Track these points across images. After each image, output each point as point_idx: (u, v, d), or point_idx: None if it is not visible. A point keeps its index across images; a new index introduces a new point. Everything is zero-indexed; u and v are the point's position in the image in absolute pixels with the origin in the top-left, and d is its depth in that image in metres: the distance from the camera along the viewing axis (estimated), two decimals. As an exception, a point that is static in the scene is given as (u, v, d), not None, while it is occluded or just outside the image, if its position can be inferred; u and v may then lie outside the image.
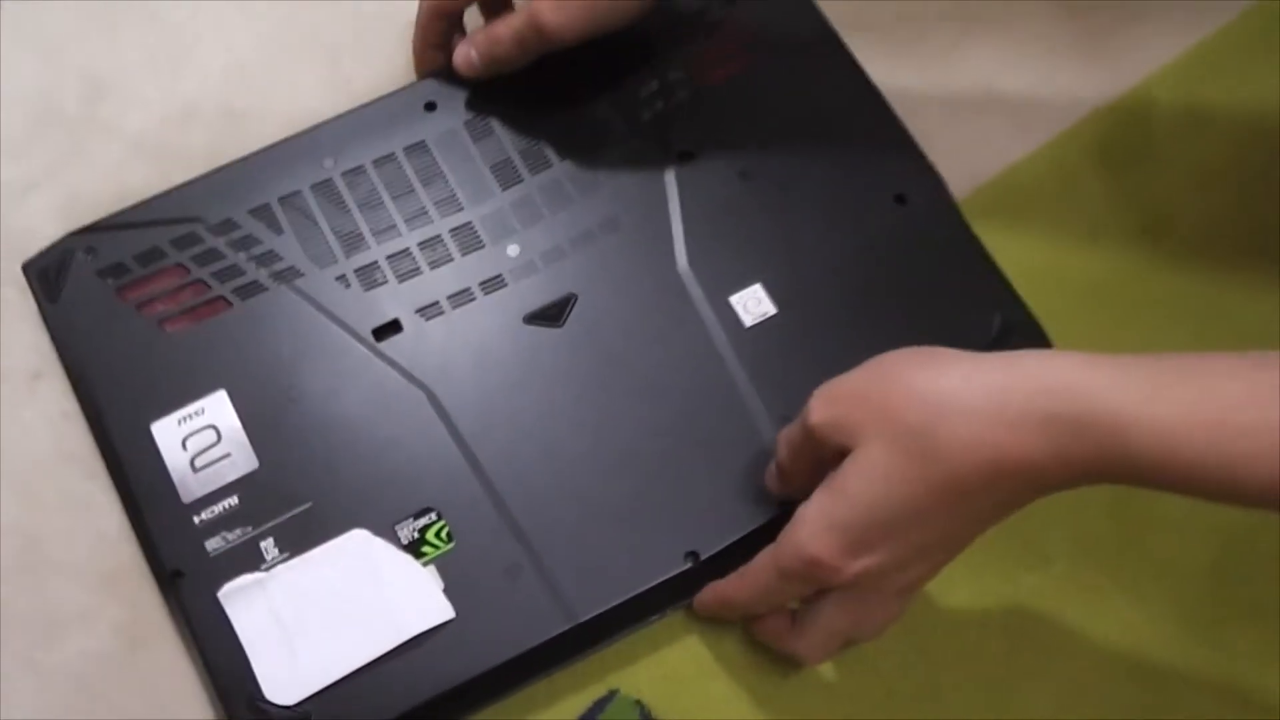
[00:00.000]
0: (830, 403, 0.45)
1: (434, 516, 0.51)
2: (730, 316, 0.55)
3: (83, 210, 0.57)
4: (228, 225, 0.55)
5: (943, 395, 0.43)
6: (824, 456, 0.46)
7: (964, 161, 0.59)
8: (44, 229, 0.57)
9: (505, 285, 0.55)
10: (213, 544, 0.50)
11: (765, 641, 0.51)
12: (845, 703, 0.52)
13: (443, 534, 0.50)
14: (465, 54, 0.57)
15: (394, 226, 0.56)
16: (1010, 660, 0.53)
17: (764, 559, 0.48)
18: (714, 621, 0.52)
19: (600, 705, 0.51)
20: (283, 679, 0.48)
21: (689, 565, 0.51)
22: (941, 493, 0.42)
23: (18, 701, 0.50)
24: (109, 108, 0.61)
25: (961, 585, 0.54)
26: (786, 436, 0.48)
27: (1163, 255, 0.61)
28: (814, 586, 0.47)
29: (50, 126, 0.61)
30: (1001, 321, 0.55)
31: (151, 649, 0.51)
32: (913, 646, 0.53)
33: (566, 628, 0.49)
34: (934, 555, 0.46)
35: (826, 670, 0.53)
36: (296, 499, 0.51)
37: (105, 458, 0.52)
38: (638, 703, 0.52)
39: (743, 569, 0.49)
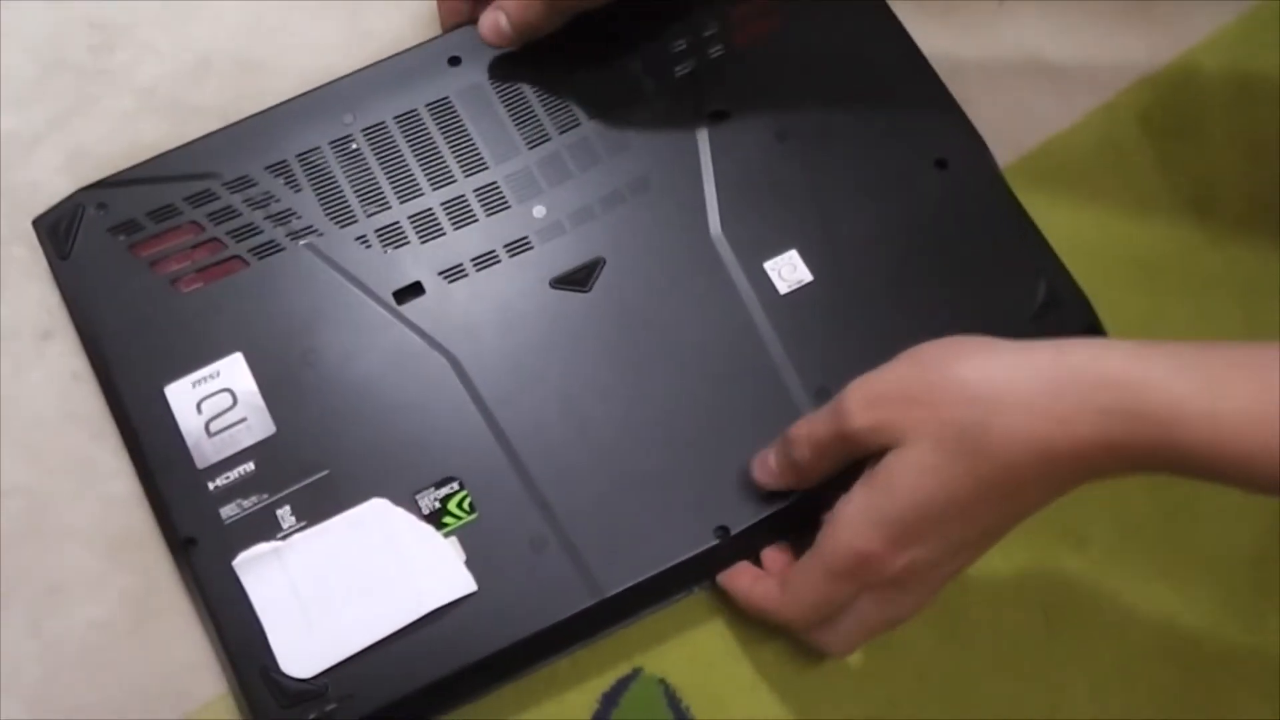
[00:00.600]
0: (871, 406, 0.44)
1: (456, 486, 0.49)
2: (764, 283, 0.53)
3: (91, 165, 0.55)
4: (244, 182, 0.53)
5: (992, 389, 0.42)
6: (859, 458, 0.45)
7: (1006, 131, 0.57)
8: (51, 184, 0.55)
9: (531, 248, 0.53)
10: (227, 511, 0.48)
11: (796, 633, 0.49)
12: (877, 686, 0.51)
13: (465, 504, 0.49)
14: (494, 21, 0.55)
15: (416, 185, 0.54)
16: (1046, 644, 0.52)
17: (808, 566, 0.46)
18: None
19: (624, 684, 0.50)
20: (298, 651, 0.46)
21: (718, 540, 0.49)
22: (991, 487, 0.42)
23: (24, 671, 0.49)
24: (120, 58, 0.59)
25: (997, 567, 0.52)
26: (811, 437, 0.46)
27: (1210, 229, 0.59)
28: (860, 584, 0.45)
29: (58, 77, 0.59)
30: (1046, 291, 0.53)
31: (161, 619, 0.50)
32: (946, 629, 0.52)
33: (592, 603, 0.48)
34: (978, 545, 0.45)
35: (860, 655, 0.51)
36: (314, 466, 0.49)
37: (117, 421, 0.51)
38: (661, 681, 0.50)
39: (786, 581, 0.47)
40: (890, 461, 0.43)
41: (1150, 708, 0.51)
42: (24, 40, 0.59)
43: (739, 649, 0.51)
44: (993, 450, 0.41)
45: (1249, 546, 0.53)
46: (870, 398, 0.44)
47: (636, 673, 0.50)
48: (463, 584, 0.47)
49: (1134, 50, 0.62)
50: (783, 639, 0.51)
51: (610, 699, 0.50)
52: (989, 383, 0.42)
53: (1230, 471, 0.39)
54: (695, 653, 0.51)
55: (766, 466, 0.49)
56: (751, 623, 0.51)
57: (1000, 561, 0.52)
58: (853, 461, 0.45)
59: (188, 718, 0.49)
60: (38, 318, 0.54)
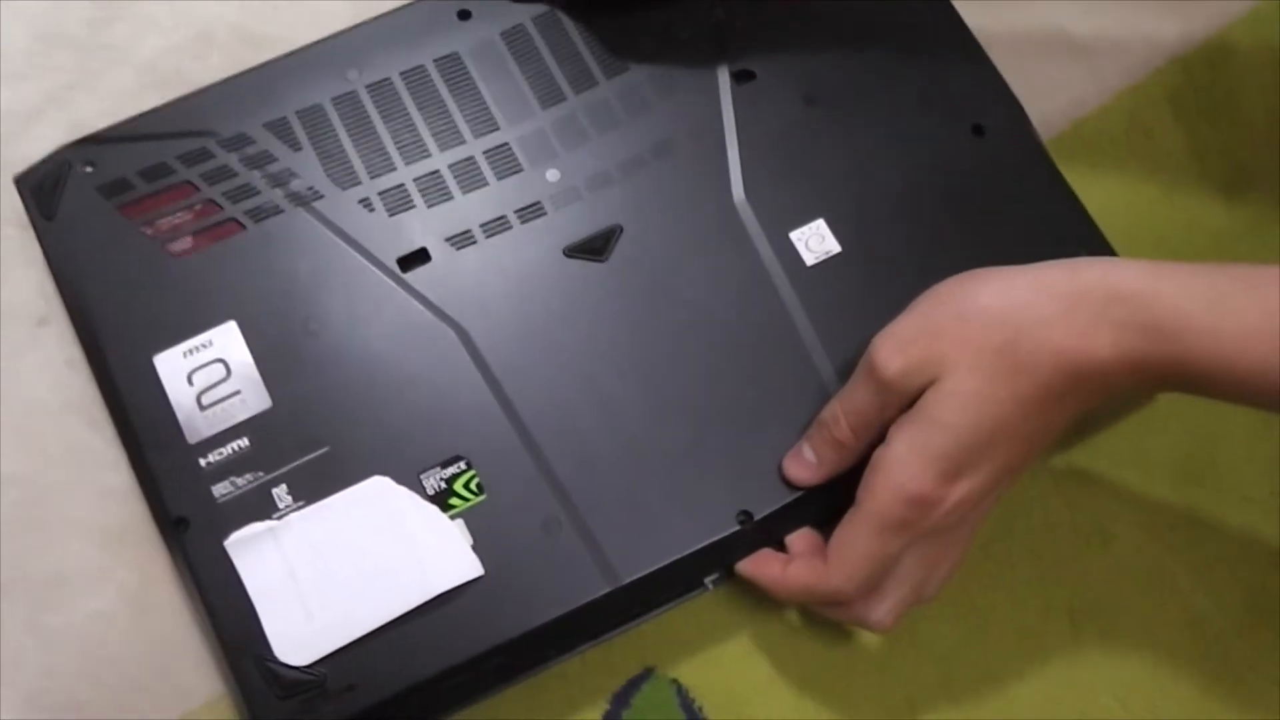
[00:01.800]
0: (901, 348, 0.43)
1: (463, 465, 0.46)
2: (790, 254, 0.50)
3: None
4: (241, 140, 0.51)
5: (1013, 311, 0.42)
6: (903, 406, 0.43)
7: (1035, 110, 0.55)
8: None
9: (544, 214, 0.50)
10: (220, 489, 0.45)
11: (834, 618, 0.47)
12: (896, 687, 0.49)
13: (473, 485, 0.46)
14: None
15: (423, 146, 0.51)
16: (1071, 643, 0.50)
17: (854, 526, 0.44)
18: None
19: (635, 684, 0.48)
20: (294, 638, 0.44)
21: (741, 526, 0.46)
22: (1028, 405, 0.42)
23: (23, 665, 0.48)
24: (120, 31, 0.57)
25: (1022, 564, 0.51)
26: (847, 408, 0.45)
27: (1242, 213, 0.57)
28: (911, 535, 0.43)
29: (58, 50, 0.57)
30: (1088, 264, 0.50)
31: (161, 614, 0.48)
32: (970, 627, 0.50)
33: (607, 591, 0.45)
34: (1015, 471, 0.45)
35: (878, 653, 0.49)
36: (312, 442, 0.46)
37: (104, 393, 0.48)
38: (674, 681, 0.48)
39: (831, 551, 0.45)
40: (930, 396, 0.43)
41: (1176, 708, 0.49)
42: (22, 13, 0.57)
43: (754, 648, 0.49)
44: (1025, 368, 0.42)
45: (1276, 545, 0.52)
46: (898, 342, 0.44)
47: (649, 672, 0.49)
48: (469, 568, 0.45)
49: (1166, 30, 0.60)
50: (801, 635, 0.49)
51: (621, 699, 0.48)
52: (1009, 305, 0.42)
53: (1237, 388, 0.40)
54: (709, 652, 0.49)
55: (802, 460, 0.46)
56: (768, 620, 0.49)
57: (1024, 561, 0.50)
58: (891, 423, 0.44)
59: (189, 716, 0.47)
60: (34, 303, 0.52)
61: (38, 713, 0.47)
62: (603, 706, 0.48)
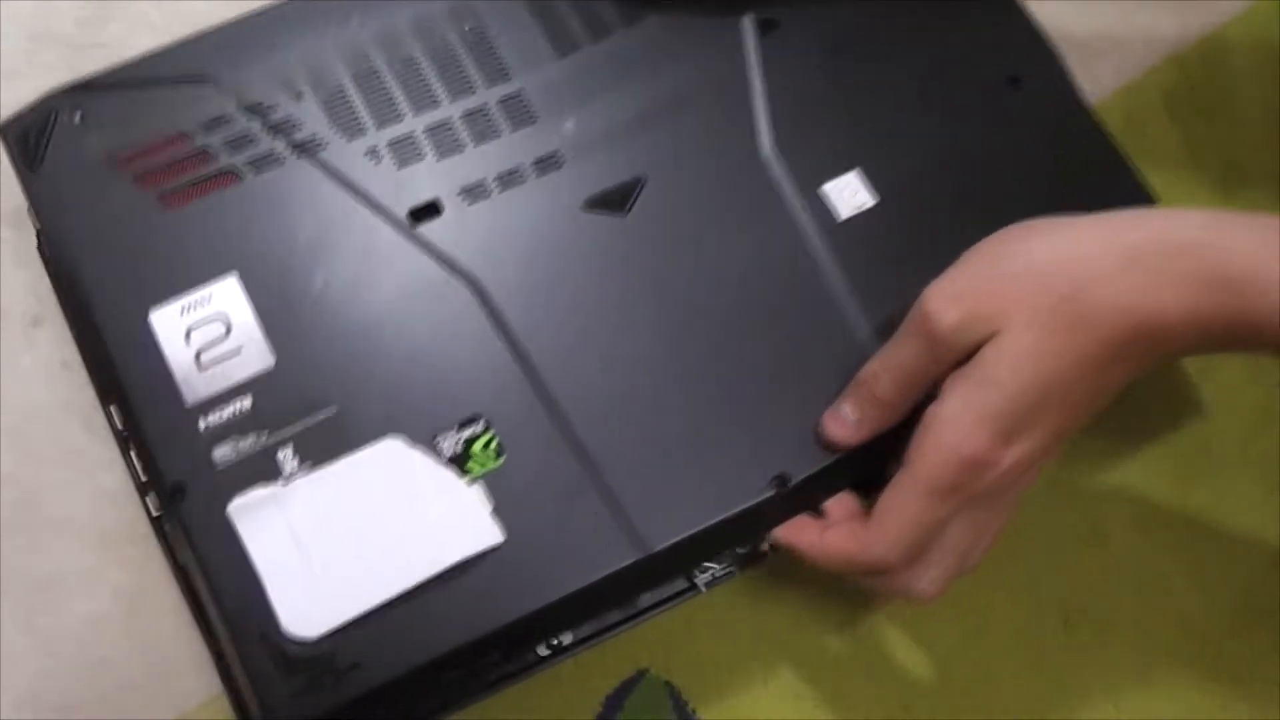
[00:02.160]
0: (956, 300, 0.41)
1: (482, 426, 0.43)
2: (822, 208, 0.48)
3: None
4: (241, 87, 0.48)
5: (1076, 263, 0.40)
6: (953, 363, 0.41)
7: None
8: None
9: (562, 165, 0.48)
10: (221, 453, 0.43)
11: (873, 588, 0.45)
12: (892, 688, 0.48)
13: (492, 446, 0.43)
14: None
15: (432, 95, 0.48)
16: (1066, 643, 0.49)
17: (902, 489, 0.41)
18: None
19: (628, 686, 0.47)
20: (302, 610, 0.41)
21: (776, 491, 0.43)
22: (1086, 364, 0.40)
23: (17, 667, 0.46)
24: (111, 30, 0.55)
25: (1018, 564, 0.49)
26: (892, 364, 0.43)
27: (1238, 209, 0.55)
28: (962, 500, 0.41)
29: (47, 49, 0.55)
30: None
31: (156, 616, 0.47)
32: (966, 628, 0.49)
33: (635, 559, 0.42)
34: (1068, 432, 0.42)
35: (873, 654, 0.48)
36: (319, 402, 0.43)
37: (93, 356, 0.45)
38: (668, 684, 0.47)
39: (875, 516, 0.42)
40: (987, 353, 0.40)
41: (1171, 709, 0.48)
42: (11, 10, 0.55)
43: (748, 649, 0.48)
44: (1086, 323, 0.40)
45: (1272, 546, 0.51)
46: (952, 295, 0.41)
47: (642, 674, 0.47)
48: (489, 535, 0.42)
49: (1162, 27, 0.60)
50: (796, 635, 0.48)
51: (614, 701, 0.47)
52: (1069, 258, 0.41)
53: None
54: (702, 654, 0.48)
55: (840, 419, 0.44)
56: (763, 620, 0.48)
57: (1020, 561, 0.49)
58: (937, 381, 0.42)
59: (184, 717, 0.46)
60: (27, 304, 0.51)
61: (32, 714, 0.46)
62: (596, 709, 0.47)
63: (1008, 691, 0.48)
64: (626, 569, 0.42)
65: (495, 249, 0.46)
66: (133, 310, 0.44)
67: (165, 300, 0.44)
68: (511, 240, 0.46)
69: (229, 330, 0.44)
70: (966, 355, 0.41)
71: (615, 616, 0.45)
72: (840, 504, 0.45)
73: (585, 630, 0.45)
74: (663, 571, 0.44)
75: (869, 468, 0.44)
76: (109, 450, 0.48)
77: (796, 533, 0.44)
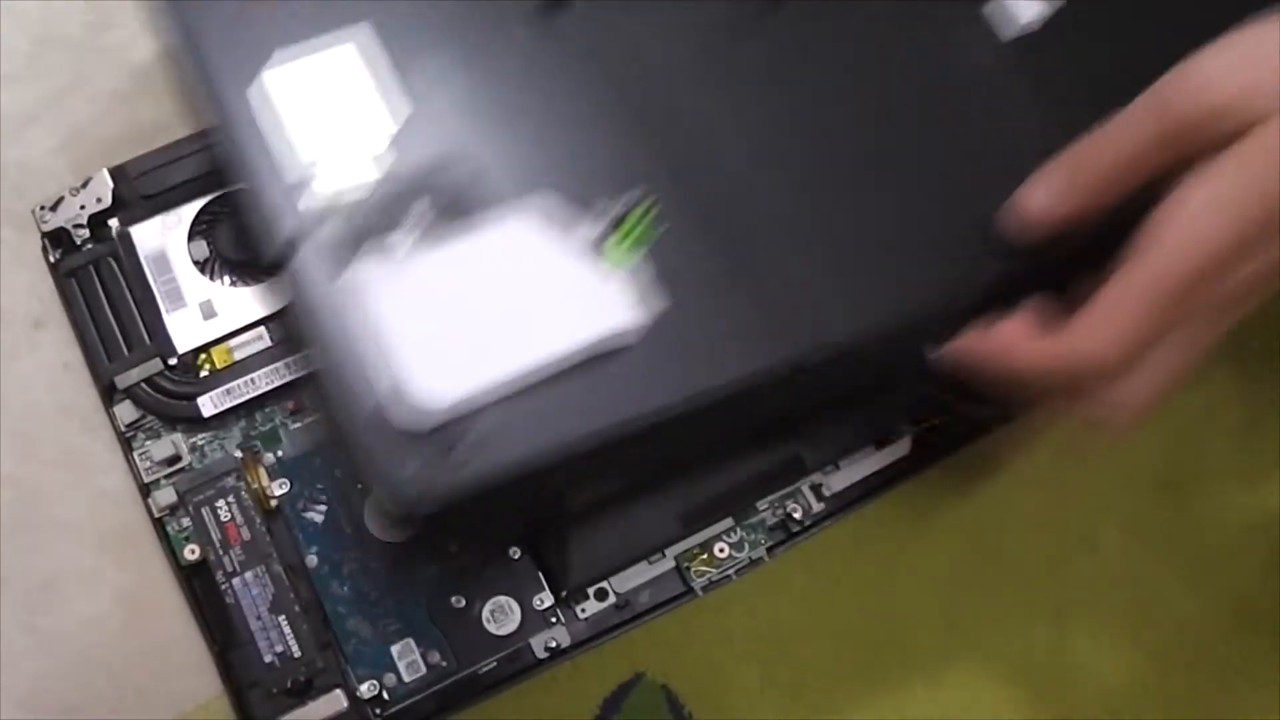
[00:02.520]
0: (1235, 70, 0.34)
1: (639, 195, 0.38)
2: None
3: (87, 146, 0.54)
4: None
5: None
6: (1195, 147, 0.34)
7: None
8: (45, 164, 0.53)
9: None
10: (339, 209, 0.37)
11: (1064, 409, 0.39)
12: (886, 696, 0.49)
13: (648, 219, 0.38)
14: None
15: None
16: (1057, 648, 0.50)
17: (1129, 284, 0.35)
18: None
19: (625, 690, 0.48)
20: (429, 376, 0.35)
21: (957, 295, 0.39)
22: None
23: (17, 668, 0.46)
24: (116, 35, 0.57)
25: (1006, 572, 0.51)
26: (1124, 139, 0.36)
27: None
28: (1195, 306, 0.36)
29: (51, 53, 0.56)
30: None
31: (156, 618, 0.47)
32: (956, 637, 0.50)
33: (807, 349, 0.37)
34: None
35: (867, 661, 0.49)
36: (454, 158, 0.38)
37: (205, 103, 0.39)
38: (664, 687, 0.48)
39: (1090, 311, 0.36)
40: (1260, 138, 0.33)
41: (1163, 714, 0.49)
42: (15, 13, 0.57)
43: (744, 653, 0.49)
44: None
45: (1263, 551, 0.52)
46: (1230, 62, 0.34)
47: (639, 678, 0.48)
48: (634, 315, 0.37)
49: None
50: (794, 638, 0.48)
51: (611, 704, 0.47)
52: None
53: None
54: (700, 658, 0.48)
55: (1035, 199, 0.37)
56: (761, 624, 0.48)
57: (1010, 566, 0.51)
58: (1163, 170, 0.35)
59: (183, 717, 0.46)
60: (29, 306, 0.52)
61: (32, 714, 0.45)
62: (593, 711, 0.47)
63: (1000, 700, 0.49)
64: (791, 367, 0.37)
65: (636, 45, 0.40)
66: (246, 72, 0.38)
67: (283, 61, 0.39)
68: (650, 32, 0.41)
69: (354, 81, 0.39)
70: (1211, 144, 0.34)
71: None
72: (1034, 305, 0.38)
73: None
74: (820, 386, 0.40)
75: (1053, 274, 0.38)
76: (109, 451, 0.48)
77: (985, 340, 0.38)
